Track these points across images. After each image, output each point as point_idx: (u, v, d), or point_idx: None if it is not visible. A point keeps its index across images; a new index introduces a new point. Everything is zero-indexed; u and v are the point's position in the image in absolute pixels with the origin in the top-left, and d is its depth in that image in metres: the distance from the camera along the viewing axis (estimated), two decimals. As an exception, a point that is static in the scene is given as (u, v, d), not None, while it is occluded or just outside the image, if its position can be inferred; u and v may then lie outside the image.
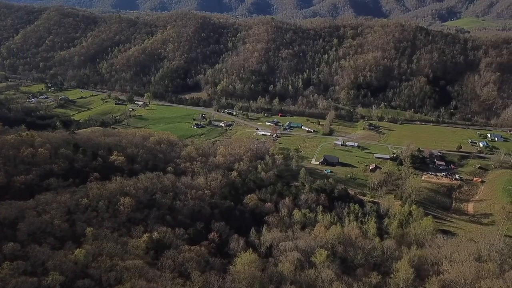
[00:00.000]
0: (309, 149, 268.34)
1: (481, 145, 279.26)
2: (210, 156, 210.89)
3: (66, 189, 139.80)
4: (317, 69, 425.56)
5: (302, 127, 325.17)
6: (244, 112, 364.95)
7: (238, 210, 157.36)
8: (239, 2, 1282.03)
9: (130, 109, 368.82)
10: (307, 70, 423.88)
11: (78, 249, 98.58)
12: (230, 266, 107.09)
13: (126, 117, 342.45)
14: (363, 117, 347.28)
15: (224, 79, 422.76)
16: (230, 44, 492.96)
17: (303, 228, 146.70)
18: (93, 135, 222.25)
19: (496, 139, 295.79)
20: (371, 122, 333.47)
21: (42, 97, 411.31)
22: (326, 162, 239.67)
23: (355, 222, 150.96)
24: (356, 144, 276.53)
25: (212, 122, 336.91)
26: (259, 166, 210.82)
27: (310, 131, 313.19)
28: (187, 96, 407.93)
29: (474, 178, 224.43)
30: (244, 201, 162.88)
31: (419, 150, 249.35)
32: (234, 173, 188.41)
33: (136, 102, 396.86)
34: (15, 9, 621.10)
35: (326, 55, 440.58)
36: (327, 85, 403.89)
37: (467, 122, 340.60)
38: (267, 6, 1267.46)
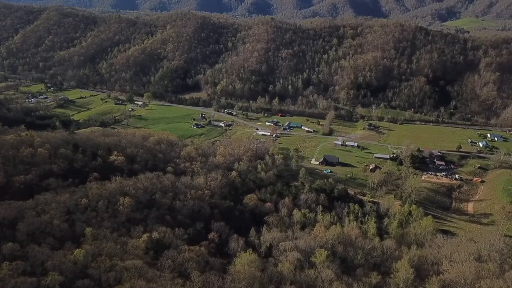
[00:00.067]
0: (309, 149, 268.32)
1: (481, 145, 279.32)
2: (210, 156, 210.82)
3: (66, 189, 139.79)
4: (316, 69, 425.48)
5: (302, 127, 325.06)
6: (243, 112, 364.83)
7: (238, 210, 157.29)
8: (238, 2, 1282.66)
9: (130, 109, 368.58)
10: (307, 70, 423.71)
11: (77, 249, 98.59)
12: (230, 266, 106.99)
13: (126, 117, 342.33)
14: (362, 117, 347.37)
15: (224, 79, 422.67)
16: (229, 44, 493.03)
17: (303, 228, 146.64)
18: (93, 135, 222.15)
19: (495, 139, 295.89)
20: (371, 122, 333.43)
21: (42, 97, 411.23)
22: (326, 162, 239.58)
23: (355, 222, 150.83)
24: (356, 144, 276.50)
25: (212, 122, 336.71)
26: (258, 166, 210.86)
27: (310, 131, 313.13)
28: (187, 96, 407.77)
29: (474, 178, 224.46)
30: (244, 201, 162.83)
31: (419, 150, 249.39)
32: (234, 173, 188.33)
33: (135, 102, 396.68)
34: (15, 9, 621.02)
35: (326, 55, 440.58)
36: (326, 85, 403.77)
37: (467, 122, 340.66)
38: (266, 6, 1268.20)
